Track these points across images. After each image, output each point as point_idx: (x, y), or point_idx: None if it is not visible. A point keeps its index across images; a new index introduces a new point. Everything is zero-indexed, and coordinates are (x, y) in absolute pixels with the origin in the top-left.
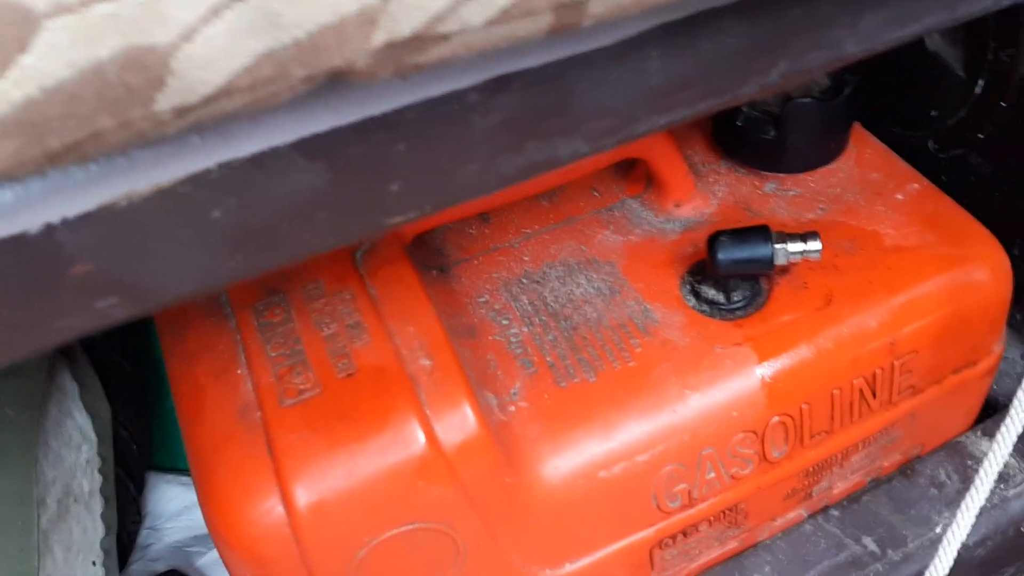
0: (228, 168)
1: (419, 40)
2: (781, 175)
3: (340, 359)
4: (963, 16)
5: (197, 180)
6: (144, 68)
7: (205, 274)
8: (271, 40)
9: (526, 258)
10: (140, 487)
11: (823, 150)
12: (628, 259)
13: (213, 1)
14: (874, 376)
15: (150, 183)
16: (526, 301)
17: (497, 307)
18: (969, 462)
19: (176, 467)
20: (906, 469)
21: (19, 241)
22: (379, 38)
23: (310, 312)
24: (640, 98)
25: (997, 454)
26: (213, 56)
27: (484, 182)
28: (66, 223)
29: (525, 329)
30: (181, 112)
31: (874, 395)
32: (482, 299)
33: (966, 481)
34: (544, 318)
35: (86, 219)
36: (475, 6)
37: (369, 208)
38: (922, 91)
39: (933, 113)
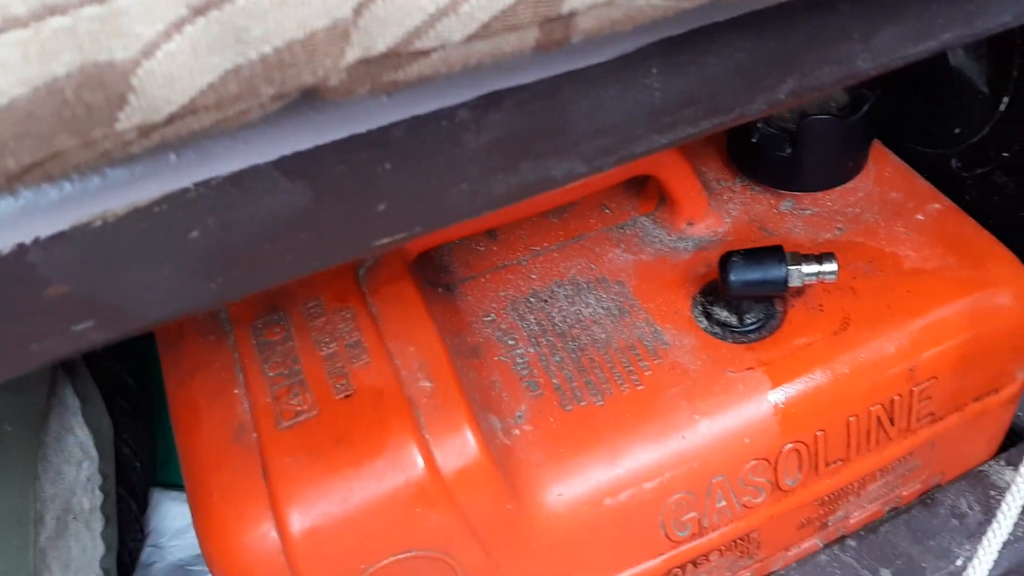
0: (206, 187)
1: (396, 56)
2: (797, 193)
3: (338, 380)
4: (981, 32)
5: (173, 199)
6: (103, 86)
7: (184, 297)
8: (236, 56)
9: (534, 276)
10: (143, 505)
11: (841, 168)
12: (639, 278)
13: (174, 16)
14: (892, 403)
15: (125, 202)
16: (533, 321)
17: (503, 327)
18: (992, 492)
19: (181, 484)
20: (926, 499)
21: None
22: (352, 54)
23: (310, 331)
24: (639, 116)
25: (1021, 484)
26: (175, 73)
27: (475, 203)
28: (39, 243)
29: (531, 350)
30: (145, 131)
31: (892, 422)
32: (488, 318)
33: (989, 512)
34: (551, 338)
35: (59, 239)
36: (454, 21)
37: (354, 230)
38: (945, 108)
39: (956, 130)
